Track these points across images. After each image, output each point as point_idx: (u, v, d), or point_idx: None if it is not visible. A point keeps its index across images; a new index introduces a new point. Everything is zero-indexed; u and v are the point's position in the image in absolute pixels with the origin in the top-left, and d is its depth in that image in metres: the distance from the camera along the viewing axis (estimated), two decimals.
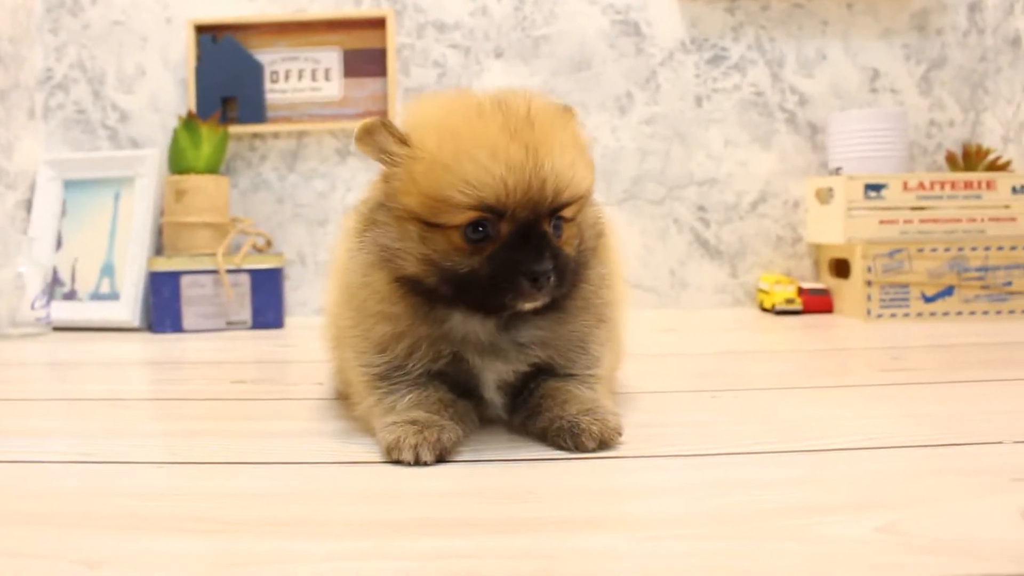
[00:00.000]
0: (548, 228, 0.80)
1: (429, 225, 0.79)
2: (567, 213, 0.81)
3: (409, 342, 0.85)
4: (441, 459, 0.78)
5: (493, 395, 0.88)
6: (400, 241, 0.81)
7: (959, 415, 0.95)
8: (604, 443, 0.82)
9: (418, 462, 0.77)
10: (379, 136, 0.81)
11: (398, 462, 0.78)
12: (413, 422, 0.80)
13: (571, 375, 0.89)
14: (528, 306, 0.80)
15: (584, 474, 0.76)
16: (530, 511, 0.66)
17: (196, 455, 0.84)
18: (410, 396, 0.85)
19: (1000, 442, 0.83)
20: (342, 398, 1.06)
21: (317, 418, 1.00)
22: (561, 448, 0.82)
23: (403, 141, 0.81)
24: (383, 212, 0.83)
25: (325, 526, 0.63)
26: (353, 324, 0.88)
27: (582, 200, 0.83)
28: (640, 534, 0.61)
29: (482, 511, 0.66)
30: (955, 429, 0.88)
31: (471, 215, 0.77)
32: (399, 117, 0.86)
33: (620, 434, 0.83)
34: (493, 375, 0.87)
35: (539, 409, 0.86)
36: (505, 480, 0.74)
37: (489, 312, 0.82)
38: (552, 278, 0.77)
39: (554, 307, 0.84)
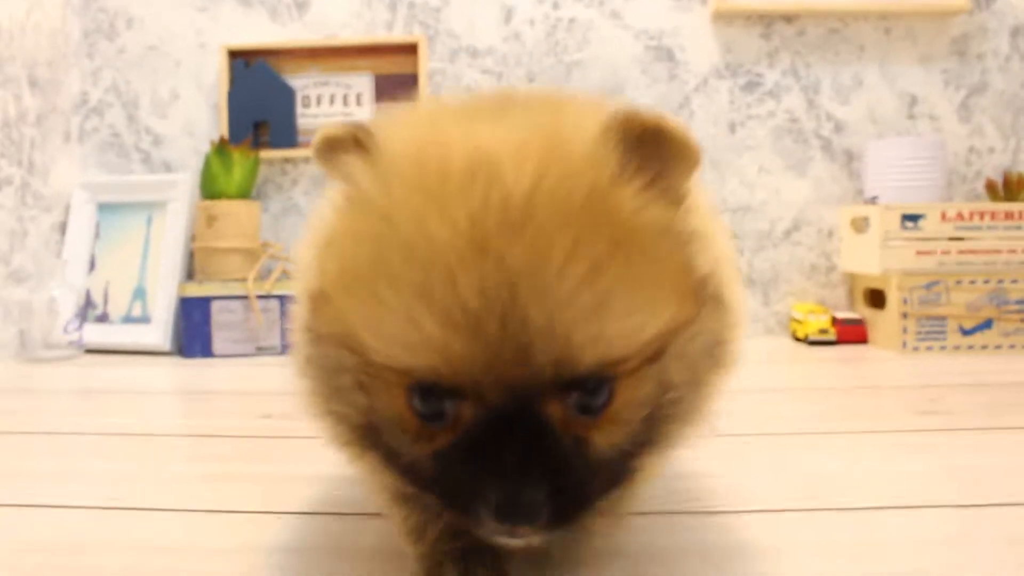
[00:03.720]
0: (551, 410, 0.44)
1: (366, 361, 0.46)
2: (617, 372, 0.45)
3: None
4: None
5: None
6: (335, 372, 0.49)
7: (1003, 469, 0.92)
8: None
9: None
10: (340, 157, 0.49)
11: None
12: None
13: None
14: (511, 542, 0.46)
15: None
16: None
17: (218, 502, 0.84)
18: None
19: None
20: None
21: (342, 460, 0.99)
22: None
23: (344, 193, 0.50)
24: (321, 302, 0.48)
25: None
26: None
27: (645, 354, 0.45)
28: None
29: None
30: (998, 486, 0.85)
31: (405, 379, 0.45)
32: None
33: None
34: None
35: None
36: None
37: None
38: (547, 509, 0.42)
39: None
